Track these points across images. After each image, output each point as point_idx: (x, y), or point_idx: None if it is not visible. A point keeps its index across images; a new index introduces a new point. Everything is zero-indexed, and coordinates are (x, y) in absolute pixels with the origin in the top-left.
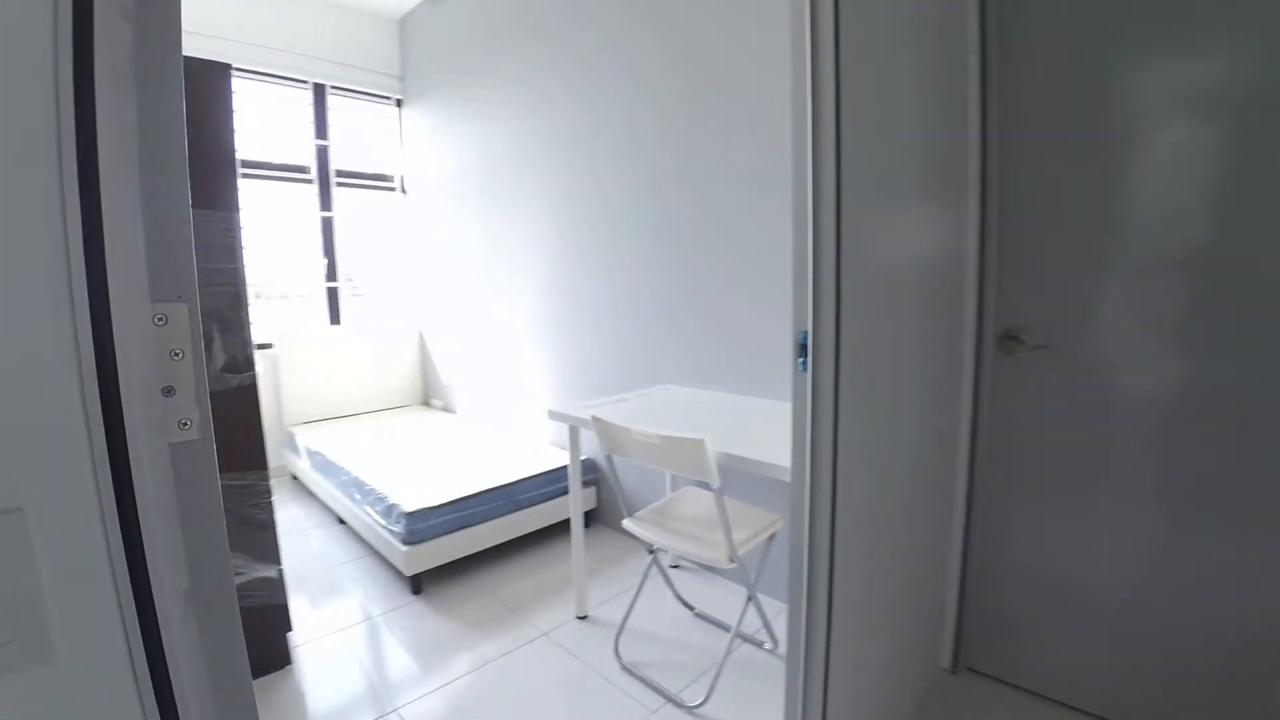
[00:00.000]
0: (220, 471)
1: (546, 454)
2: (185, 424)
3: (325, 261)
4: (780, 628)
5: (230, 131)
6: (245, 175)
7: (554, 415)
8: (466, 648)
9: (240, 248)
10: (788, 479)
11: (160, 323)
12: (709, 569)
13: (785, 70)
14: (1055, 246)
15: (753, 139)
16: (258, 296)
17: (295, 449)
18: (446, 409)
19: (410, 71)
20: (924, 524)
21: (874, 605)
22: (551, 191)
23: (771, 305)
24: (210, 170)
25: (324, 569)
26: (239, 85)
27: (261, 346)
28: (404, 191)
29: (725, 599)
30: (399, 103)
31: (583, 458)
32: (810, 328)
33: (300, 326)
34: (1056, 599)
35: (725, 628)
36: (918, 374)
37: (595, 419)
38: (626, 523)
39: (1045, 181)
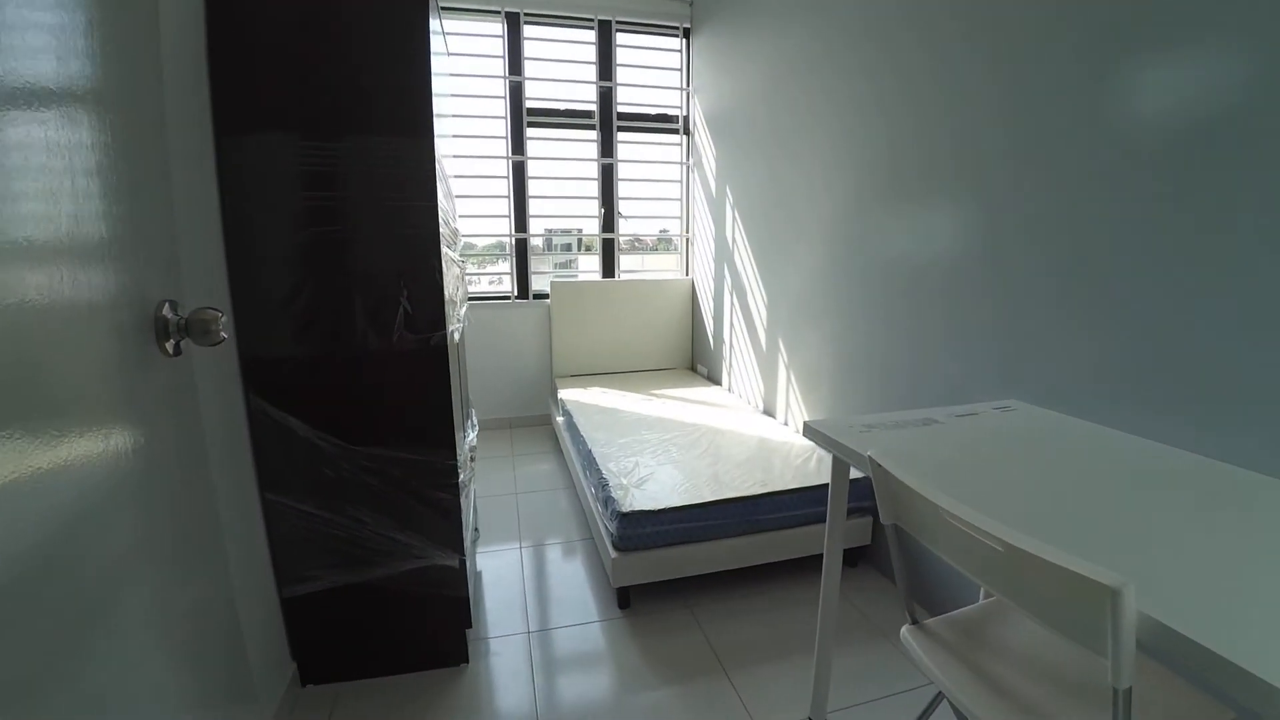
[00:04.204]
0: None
1: (809, 459)
2: None
3: (603, 211)
4: None
5: (423, 50)
6: (532, 124)
7: (812, 433)
8: (656, 709)
9: (434, 183)
10: None
11: None
12: None
13: None
14: None
15: None
16: (542, 248)
17: (557, 402)
18: (711, 377)
19: None
20: None
21: None
22: (860, 106)
23: None
24: (391, 92)
25: (533, 544)
26: (530, 31)
27: (539, 296)
28: (686, 133)
29: None
30: (686, 32)
31: (854, 476)
32: None
33: (573, 277)
34: None
35: None
36: None
37: (874, 463)
38: (906, 634)
39: None
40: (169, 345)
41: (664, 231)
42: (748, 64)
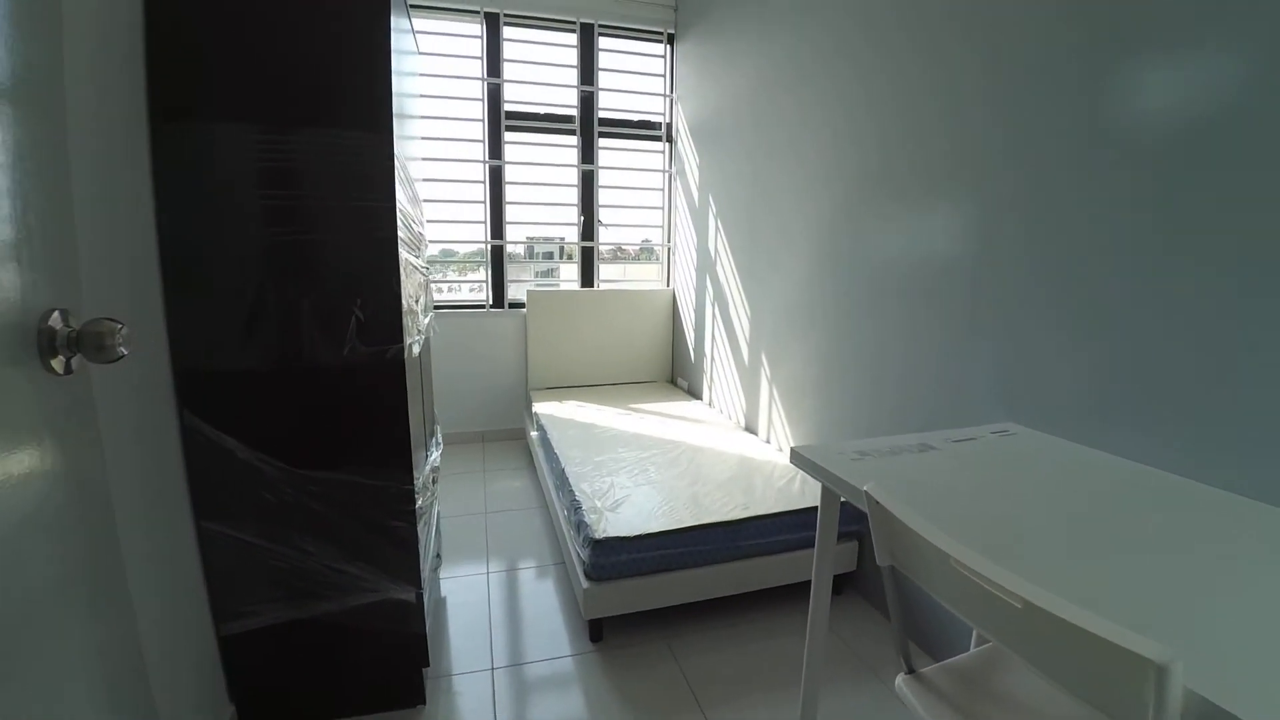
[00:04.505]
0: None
1: (792, 480)
2: None
3: (582, 219)
4: None
5: (382, 40)
6: (510, 127)
7: (800, 461)
8: None
9: (393, 183)
10: None
11: None
12: None
13: None
14: None
15: None
16: (527, 254)
17: (531, 416)
18: (692, 391)
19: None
20: None
21: None
22: (850, 111)
23: None
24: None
25: (500, 569)
26: (510, 33)
27: (515, 305)
28: (669, 140)
29: None
30: (670, 38)
31: (843, 500)
32: None
33: (550, 286)
34: None
35: None
36: None
37: (872, 500)
38: (902, 684)
39: None
40: (57, 362)
41: (645, 241)
42: (733, 70)
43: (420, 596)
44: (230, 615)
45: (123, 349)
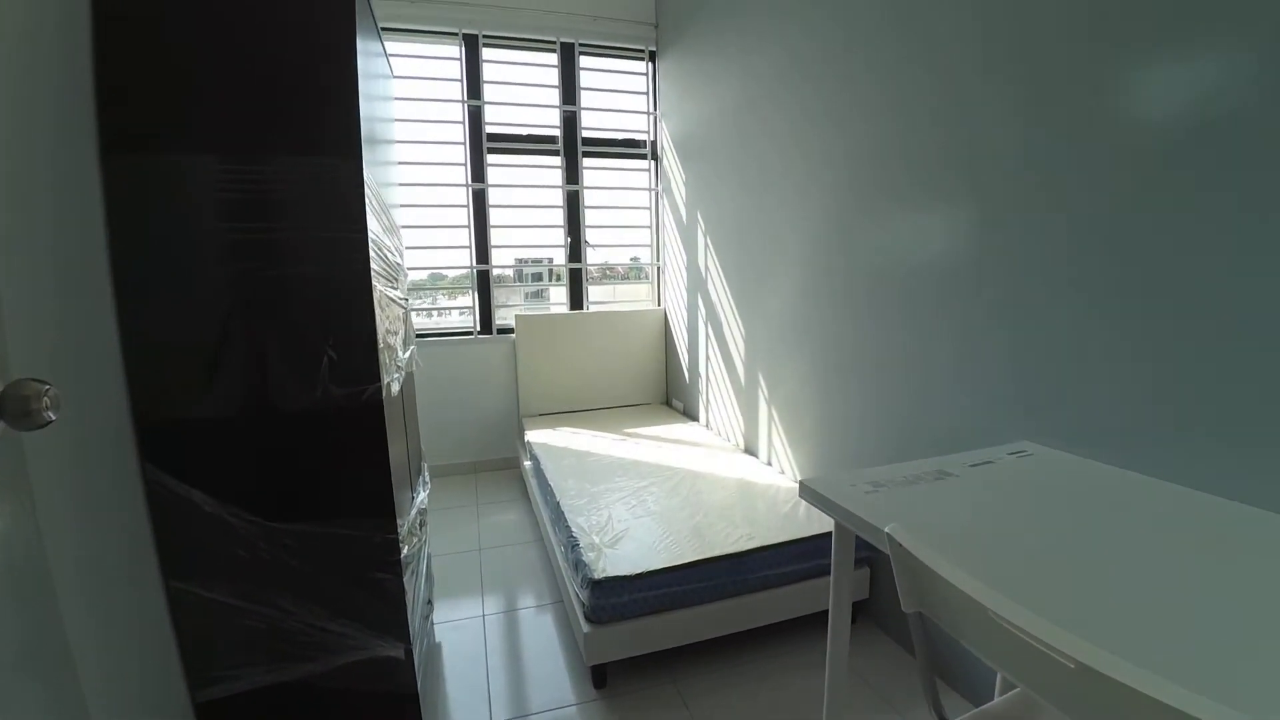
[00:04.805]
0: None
1: (796, 504)
2: None
3: (569, 240)
4: None
5: (346, 61)
6: (492, 149)
7: (809, 494)
8: None
9: (363, 211)
10: None
11: None
12: None
13: None
14: None
15: None
16: (513, 278)
17: (524, 444)
18: (688, 413)
19: (665, 15)
20: None
21: None
22: (840, 118)
23: None
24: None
25: (497, 610)
26: (490, 54)
27: (503, 331)
28: (654, 158)
29: None
30: (652, 55)
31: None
32: None
33: (540, 309)
34: None
35: None
36: None
37: (894, 543)
38: None
39: None
40: None
41: (634, 259)
42: (717, 85)
43: (410, 652)
44: (206, 681)
45: (50, 414)
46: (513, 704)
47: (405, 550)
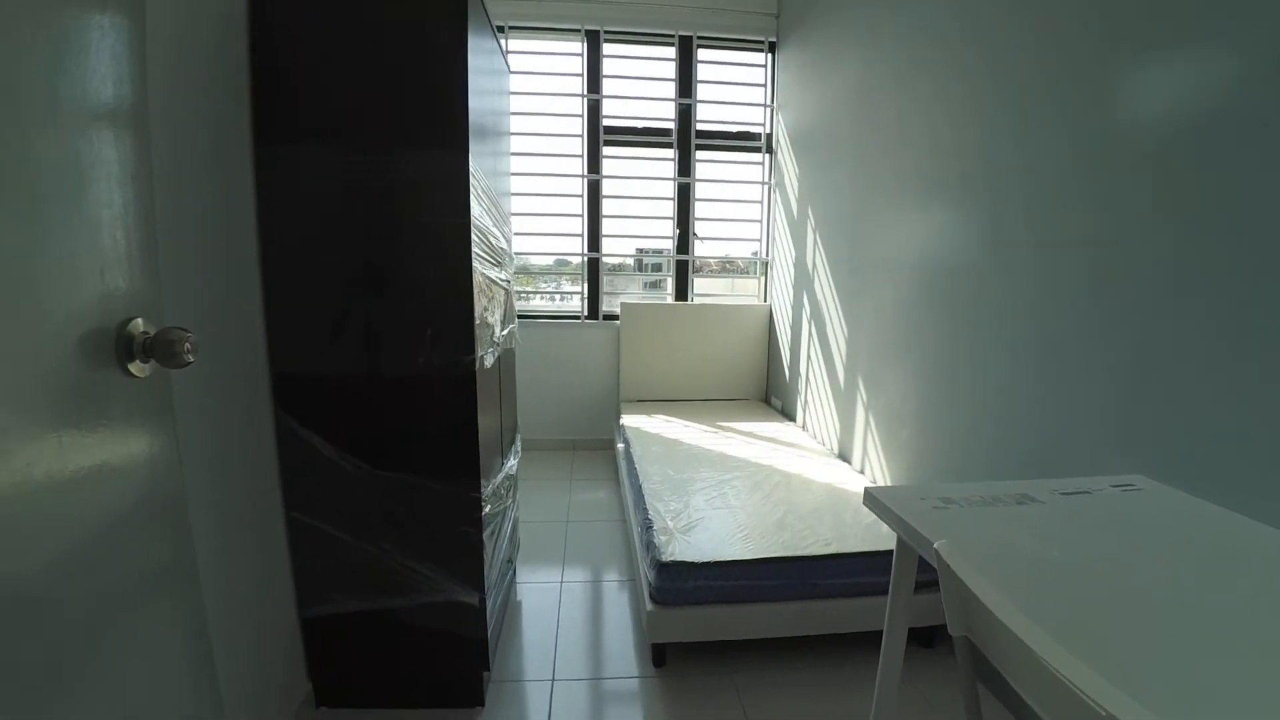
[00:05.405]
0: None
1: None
2: None
3: (678, 232)
4: None
5: (456, 60)
6: (608, 141)
7: (872, 504)
8: None
9: (467, 199)
10: None
11: None
12: None
13: None
14: None
15: None
16: (633, 267)
17: (619, 428)
18: (785, 412)
19: (787, 6)
20: None
21: None
22: (955, 118)
23: None
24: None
25: (575, 580)
26: (610, 49)
27: (609, 317)
28: (769, 151)
29: None
30: (772, 46)
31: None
32: None
33: (646, 300)
34: None
35: None
36: None
37: (942, 561)
38: None
39: None
40: (134, 366)
41: (753, 253)
42: (835, 73)
43: (484, 601)
44: (312, 601)
45: (190, 356)
46: (576, 665)
47: (488, 509)
